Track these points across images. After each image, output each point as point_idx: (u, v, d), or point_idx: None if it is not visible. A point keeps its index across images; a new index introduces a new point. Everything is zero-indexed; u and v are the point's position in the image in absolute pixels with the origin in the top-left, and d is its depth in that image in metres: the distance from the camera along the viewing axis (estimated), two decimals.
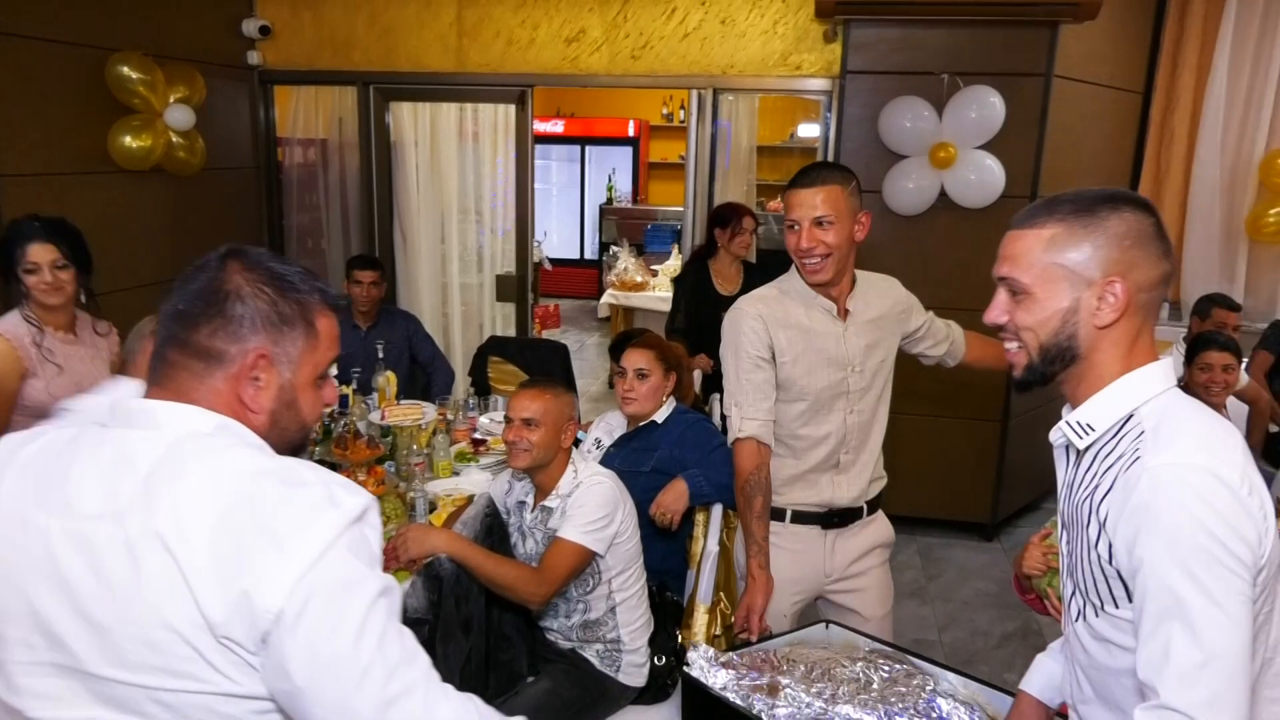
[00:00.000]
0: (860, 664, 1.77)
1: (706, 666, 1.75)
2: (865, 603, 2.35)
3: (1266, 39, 4.78)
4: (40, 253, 2.56)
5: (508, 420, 2.34)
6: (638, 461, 2.67)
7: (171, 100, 4.13)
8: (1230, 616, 1.09)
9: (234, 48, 4.85)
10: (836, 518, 2.29)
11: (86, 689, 1.01)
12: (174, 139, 4.19)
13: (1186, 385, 3.32)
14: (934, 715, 1.66)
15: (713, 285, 4.10)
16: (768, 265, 4.34)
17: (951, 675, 1.79)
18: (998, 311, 1.31)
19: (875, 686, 1.72)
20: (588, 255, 9.97)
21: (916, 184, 4.11)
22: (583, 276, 9.70)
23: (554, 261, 8.90)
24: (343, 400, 3.04)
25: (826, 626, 2.02)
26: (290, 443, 1.15)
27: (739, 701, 1.67)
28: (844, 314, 2.22)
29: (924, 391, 4.01)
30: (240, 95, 4.94)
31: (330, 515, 1.00)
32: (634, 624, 2.38)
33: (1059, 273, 1.23)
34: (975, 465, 4.51)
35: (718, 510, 2.49)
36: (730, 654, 1.82)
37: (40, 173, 3.71)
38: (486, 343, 4.45)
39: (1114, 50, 4.64)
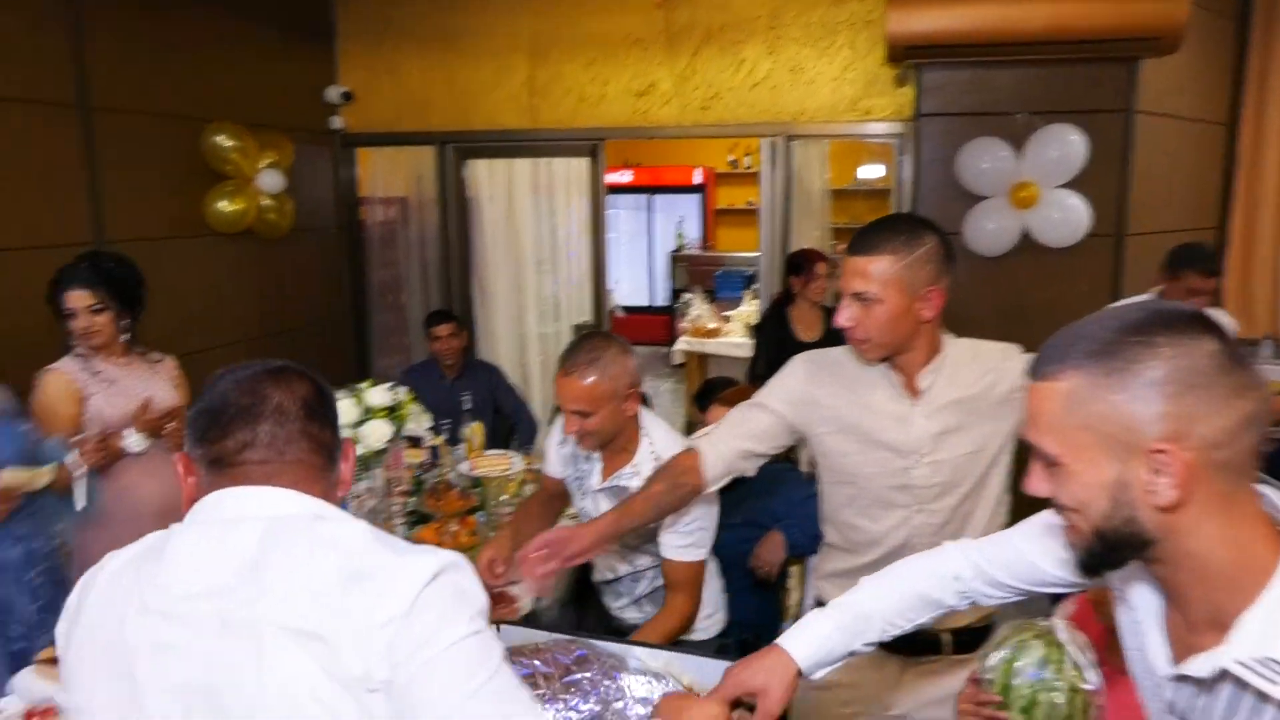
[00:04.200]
0: (538, 660, 1.65)
1: None
2: None
3: None
4: (77, 299, 2.64)
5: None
6: (726, 514, 2.64)
7: (262, 166, 4.31)
8: None
9: (319, 113, 5.05)
10: (903, 643, 1.62)
11: None
12: (265, 202, 4.36)
13: None
14: (614, 691, 1.57)
15: (792, 332, 4.09)
16: None
17: (638, 650, 1.69)
18: (1035, 481, 1.01)
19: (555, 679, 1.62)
20: (658, 302, 10.03)
21: (998, 224, 4.05)
22: (653, 323, 9.74)
23: (625, 309, 8.96)
24: (433, 451, 3.09)
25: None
26: None
27: None
28: (914, 392, 1.84)
29: None
30: (324, 158, 5.13)
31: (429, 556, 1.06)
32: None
33: (1088, 438, 0.93)
34: None
35: (814, 562, 2.44)
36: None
37: (140, 238, 3.88)
38: None
39: (1196, 83, 4.54)
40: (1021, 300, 4.11)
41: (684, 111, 4.76)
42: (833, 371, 1.93)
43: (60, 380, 2.64)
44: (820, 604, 1.97)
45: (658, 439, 2.24)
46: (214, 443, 1.09)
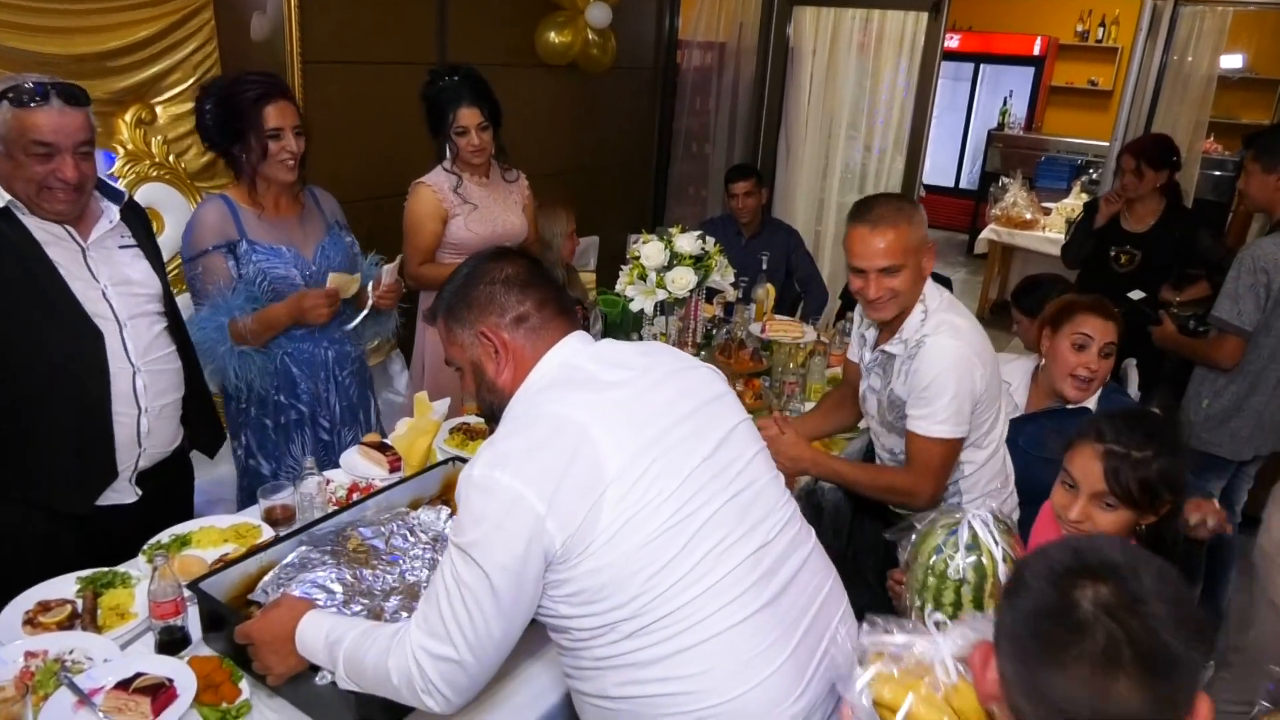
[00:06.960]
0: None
1: None
2: None
3: None
4: (469, 116, 2.67)
5: (857, 271, 1.97)
6: (1052, 448, 2.38)
7: None
8: None
9: None
10: None
11: None
12: (590, 36, 4.37)
13: None
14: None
15: (1118, 217, 3.61)
16: (1188, 213, 3.71)
17: None
18: None
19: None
20: (963, 184, 9.27)
21: None
22: (955, 207, 9.04)
23: (926, 187, 8.37)
24: (728, 308, 3.05)
25: None
26: None
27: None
28: None
29: None
30: None
31: None
32: (979, 491, 2.07)
33: None
34: None
35: None
36: None
37: (477, 63, 4.02)
38: None
39: None
40: None
41: None
42: None
43: (431, 196, 2.74)
44: None
45: (933, 307, 2.00)
46: (519, 306, 1.39)
